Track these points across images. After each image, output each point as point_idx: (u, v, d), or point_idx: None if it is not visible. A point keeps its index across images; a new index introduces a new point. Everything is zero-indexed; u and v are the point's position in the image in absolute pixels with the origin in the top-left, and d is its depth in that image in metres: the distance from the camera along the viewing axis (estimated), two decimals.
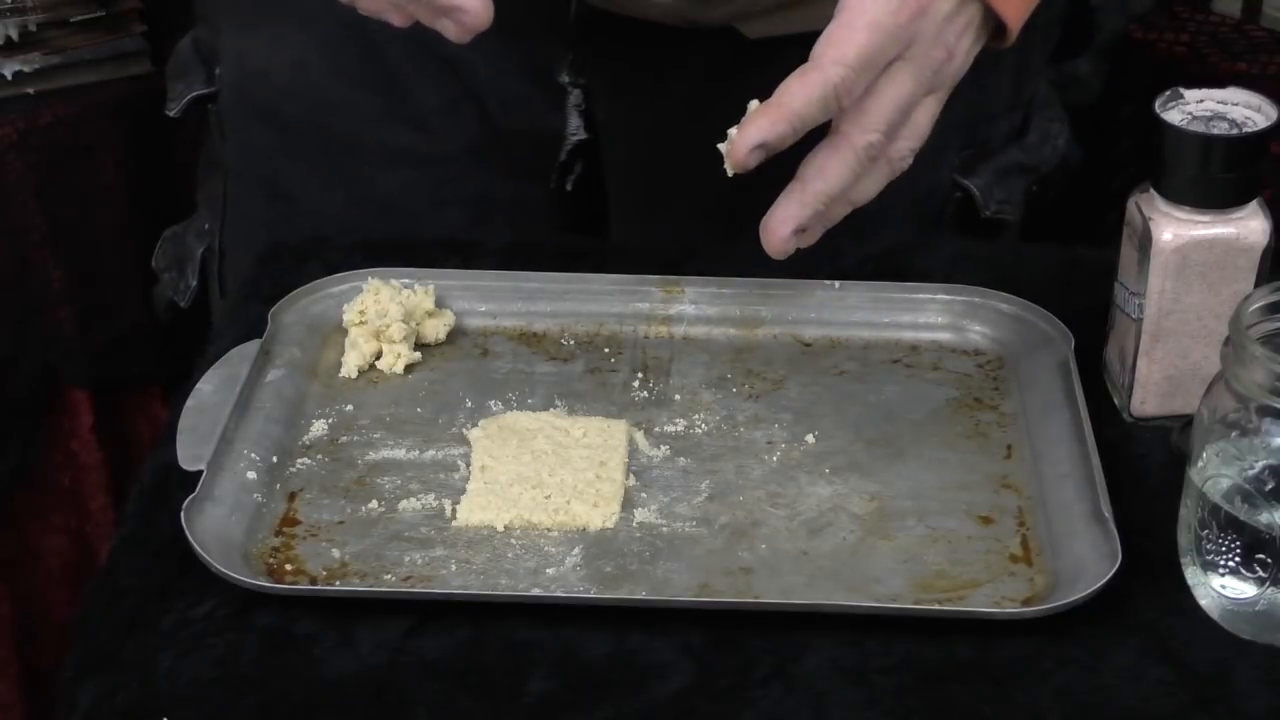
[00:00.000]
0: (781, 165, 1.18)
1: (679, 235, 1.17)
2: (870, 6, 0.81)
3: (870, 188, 0.86)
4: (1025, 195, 1.26)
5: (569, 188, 1.22)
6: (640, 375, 0.99)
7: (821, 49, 0.81)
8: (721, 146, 0.83)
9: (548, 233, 1.21)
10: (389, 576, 0.85)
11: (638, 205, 1.26)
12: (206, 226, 1.27)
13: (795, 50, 1.14)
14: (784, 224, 0.85)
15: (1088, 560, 0.83)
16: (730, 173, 0.83)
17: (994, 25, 0.85)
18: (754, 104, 0.84)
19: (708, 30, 1.13)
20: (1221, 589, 0.81)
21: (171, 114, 1.26)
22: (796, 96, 0.81)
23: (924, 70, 0.83)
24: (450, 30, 0.89)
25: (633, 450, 0.93)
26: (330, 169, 1.19)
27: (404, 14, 0.90)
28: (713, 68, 1.16)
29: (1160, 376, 0.93)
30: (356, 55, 1.17)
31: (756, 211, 1.21)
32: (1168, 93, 0.91)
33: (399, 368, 1.00)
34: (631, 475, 0.91)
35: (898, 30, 0.81)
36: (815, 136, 0.87)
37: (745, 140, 0.82)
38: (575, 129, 1.20)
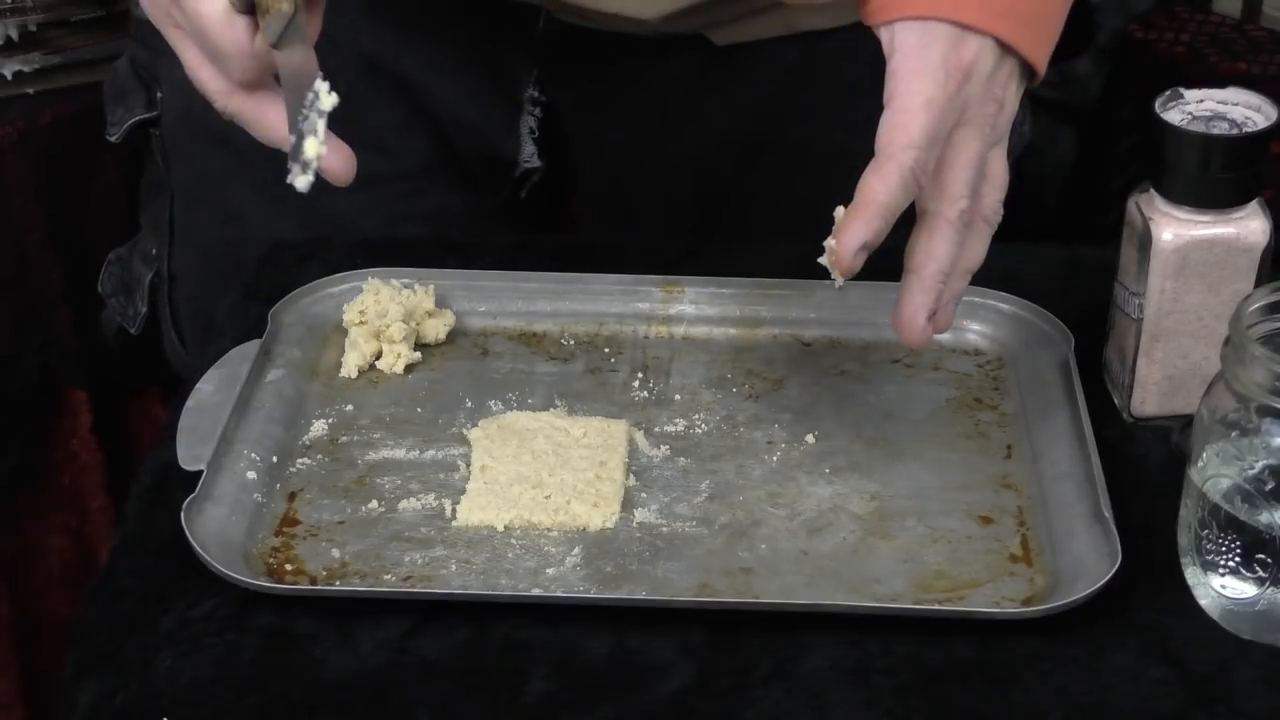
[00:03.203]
0: (748, 175, 1.18)
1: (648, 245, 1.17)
2: (920, 87, 0.84)
3: (977, 250, 0.88)
4: None
5: (523, 195, 1.23)
6: (640, 375, 0.99)
7: (887, 138, 0.84)
8: (823, 260, 0.85)
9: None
10: (389, 576, 0.85)
11: (606, 217, 1.26)
12: (154, 251, 1.26)
13: (763, 55, 1.14)
14: (916, 315, 0.86)
15: (1088, 560, 0.83)
16: (839, 283, 0.85)
17: (1029, 69, 0.88)
18: (840, 210, 0.85)
19: (675, 40, 1.13)
20: (1221, 589, 0.81)
21: (112, 139, 1.25)
22: (879, 190, 0.83)
23: (983, 128, 0.86)
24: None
25: (633, 450, 0.93)
26: (283, 191, 1.18)
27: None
28: (681, 77, 1.16)
29: (1160, 376, 0.93)
30: None
31: (724, 220, 1.21)
32: (1168, 93, 0.91)
33: (399, 368, 1.00)
34: (631, 475, 0.91)
35: (950, 101, 0.84)
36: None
37: (847, 246, 0.83)
38: (529, 155, 1.20)
